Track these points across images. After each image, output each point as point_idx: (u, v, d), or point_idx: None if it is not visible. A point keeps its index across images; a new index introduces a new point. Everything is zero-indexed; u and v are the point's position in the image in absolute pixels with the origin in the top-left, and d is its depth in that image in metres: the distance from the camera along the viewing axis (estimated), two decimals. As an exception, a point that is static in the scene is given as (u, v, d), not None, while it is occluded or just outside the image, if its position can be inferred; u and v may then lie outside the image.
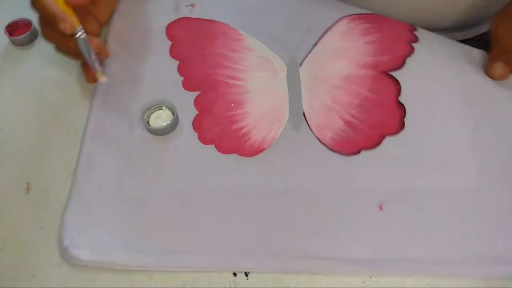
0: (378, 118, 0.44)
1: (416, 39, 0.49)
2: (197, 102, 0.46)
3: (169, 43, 0.50)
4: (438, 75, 0.46)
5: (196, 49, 0.49)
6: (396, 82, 0.45)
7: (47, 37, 0.45)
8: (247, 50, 0.48)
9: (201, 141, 0.44)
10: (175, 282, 0.37)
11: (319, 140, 0.43)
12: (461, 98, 0.45)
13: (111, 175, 0.42)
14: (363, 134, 0.43)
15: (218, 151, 0.43)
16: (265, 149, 0.43)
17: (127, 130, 0.44)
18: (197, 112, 0.45)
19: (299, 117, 0.44)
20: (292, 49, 0.48)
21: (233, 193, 0.41)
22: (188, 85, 0.47)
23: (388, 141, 0.43)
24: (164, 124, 0.43)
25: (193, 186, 0.41)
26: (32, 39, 0.52)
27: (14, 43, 0.52)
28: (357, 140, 0.43)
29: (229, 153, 0.43)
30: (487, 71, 0.46)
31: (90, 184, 0.42)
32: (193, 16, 0.51)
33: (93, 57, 0.43)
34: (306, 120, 0.44)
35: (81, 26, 0.42)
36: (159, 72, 0.48)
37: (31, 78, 0.49)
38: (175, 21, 0.51)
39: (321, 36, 0.49)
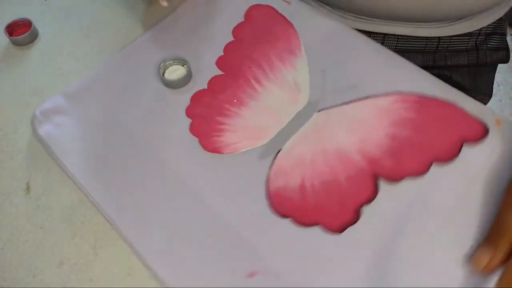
0: (329, 206, 0.39)
1: (450, 159, 0.39)
2: (212, 80, 0.46)
3: (240, 20, 0.50)
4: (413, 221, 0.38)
5: (255, 38, 0.49)
6: (375, 192, 0.39)
7: None
8: (290, 67, 0.46)
9: (186, 113, 0.44)
10: (175, 282, 0.37)
11: (266, 180, 0.40)
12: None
13: (111, 98, 0.46)
14: (303, 208, 0.39)
15: (189, 129, 0.43)
16: (221, 153, 0.42)
17: (147, 71, 0.47)
18: (205, 88, 0.46)
19: (273, 150, 0.42)
20: (327, 93, 0.44)
21: (169, 171, 0.41)
22: (220, 63, 0.47)
23: (315, 231, 0.38)
24: (171, 78, 0.45)
25: (156, 146, 0.43)
26: (32, 39, 0.52)
27: (14, 43, 0.52)
28: (293, 208, 0.39)
29: (194, 136, 0.43)
30: (473, 258, 0.35)
31: (92, 89, 0.46)
32: (280, 11, 0.50)
33: None
34: (275, 157, 0.42)
35: None
36: (211, 40, 0.49)
37: (31, 78, 0.49)
38: (260, 5, 0.51)
39: (358, 100, 0.44)
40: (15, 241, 0.40)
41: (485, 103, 0.63)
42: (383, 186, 0.39)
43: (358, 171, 0.40)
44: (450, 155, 0.40)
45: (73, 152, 0.43)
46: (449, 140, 0.40)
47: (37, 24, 0.52)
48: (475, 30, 0.58)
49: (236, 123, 0.44)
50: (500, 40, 0.60)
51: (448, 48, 0.59)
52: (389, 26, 0.56)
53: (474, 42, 0.59)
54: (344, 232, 0.37)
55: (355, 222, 0.38)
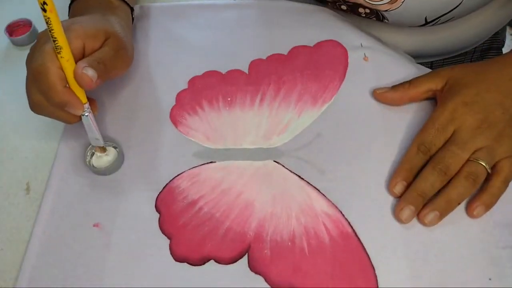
0: (190, 233, 0.38)
1: None
2: (232, 71, 0.47)
3: (309, 45, 0.48)
4: None
5: (303, 65, 0.46)
6: (233, 260, 0.37)
7: (37, 111, 0.40)
8: (297, 111, 0.44)
9: (189, 81, 0.46)
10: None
11: (178, 175, 0.41)
12: None
13: None
14: (171, 216, 0.39)
15: (178, 92, 0.46)
16: (175, 126, 0.44)
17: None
18: (223, 73, 0.47)
19: (208, 158, 0.42)
20: (297, 154, 0.41)
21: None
22: (254, 64, 0.47)
23: (164, 242, 0.38)
24: (103, 164, 0.41)
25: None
26: (32, 39, 0.52)
27: (14, 43, 0.52)
28: (166, 209, 0.39)
29: (175, 100, 0.45)
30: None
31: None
32: (350, 60, 0.47)
33: (97, 133, 0.40)
34: (203, 164, 0.42)
35: (87, 104, 0.38)
36: (270, 44, 0.49)
37: (31, 79, 0.49)
38: (339, 44, 0.47)
39: (308, 185, 0.40)
40: (15, 241, 0.39)
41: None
42: (241, 264, 0.36)
43: (240, 232, 0.38)
44: None
45: None
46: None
47: (37, 24, 0.52)
48: (469, 50, 0.57)
49: (209, 115, 0.44)
50: (496, 54, 0.58)
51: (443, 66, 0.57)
52: None
53: (469, 61, 0.58)
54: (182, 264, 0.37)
55: (197, 264, 0.37)
